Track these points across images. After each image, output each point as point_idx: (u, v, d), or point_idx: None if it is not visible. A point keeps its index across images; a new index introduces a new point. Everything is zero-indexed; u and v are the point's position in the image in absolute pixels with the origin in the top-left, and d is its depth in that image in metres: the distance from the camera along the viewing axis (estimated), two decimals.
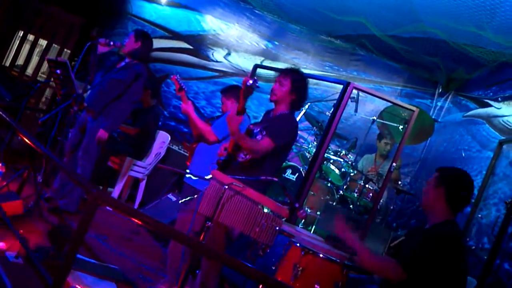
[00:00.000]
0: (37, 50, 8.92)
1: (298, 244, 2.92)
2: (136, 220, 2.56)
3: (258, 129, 3.67)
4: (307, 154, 6.06)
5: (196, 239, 2.78)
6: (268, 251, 3.53)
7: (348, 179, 5.75)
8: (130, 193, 6.52)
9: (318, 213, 5.18)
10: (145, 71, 4.96)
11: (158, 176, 6.58)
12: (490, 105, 5.46)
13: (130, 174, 6.26)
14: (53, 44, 8.74)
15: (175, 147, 6.84)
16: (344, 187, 5.67)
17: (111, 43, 4.77)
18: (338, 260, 2.85)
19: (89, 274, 3.56)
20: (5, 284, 2.93)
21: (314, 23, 7.13)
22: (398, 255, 2.83)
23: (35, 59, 8.89)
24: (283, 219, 2.68)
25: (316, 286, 2.77)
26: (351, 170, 5.61)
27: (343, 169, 5.70)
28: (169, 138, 6.61)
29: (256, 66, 5.94)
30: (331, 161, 5.74)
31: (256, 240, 3.30)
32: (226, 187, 2.69)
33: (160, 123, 7.21)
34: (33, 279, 3.14)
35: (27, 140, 3.64)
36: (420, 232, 2.87)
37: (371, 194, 5.71)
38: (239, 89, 4.83)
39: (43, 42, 8.92)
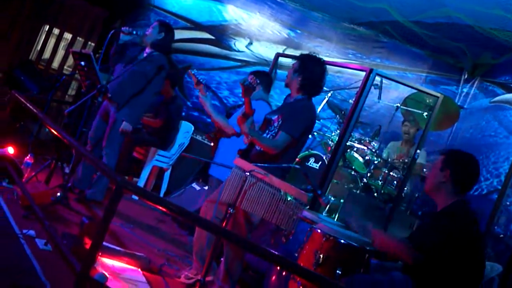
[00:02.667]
0: (62, 44, 9.07)
1: (319, 230, 2.93)
2: (160, 207, 2.61)
3: (276, 116, 3.67)
4: (330, 142, 6.02)
5: (219, 225, 2.82)
6: (291, 238, 3.56)
7: (372, 167, 5.71)
8: (155, 183, 6.60)
9: (342, 201, 5.16)
10: (166, 63, 5.00)
11: (183, 166, 6.65)
12: None
13: (155, 164, 6.34)
14: (78, 38, 8.88)
15: (198, 137, 6.90)
16: (368, 175, 5.63)
17: (134, 31, 4.79)
18: (359, 246, 2.85)
19: (116, 260, 3.64)
20: (36, 270, 3.02)
21: (336, 10, 7.06)
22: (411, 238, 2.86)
23: (60, 53, 9.06)
24: (305, 206, 2.69)
25: (337, 272, 2.78)
26: (375, 158, 5.56)
27: (366, 157, 5.65)
28: (193, 128, 6.67)
29: (278, 55, 5.94)
30: (355, 149, 5.70)
31: (278, 226, 3.34)
32: (248, 174, 2.70)
33: (183, 113, 7.27)
34: (62, 265, 3.23)
35: (53, 131, 3.73)
36: (433, 215, 2.89)
37: (395, 182, 5.66)
38: (268, 76, 4.84)
39: (68, 36, 9.07)
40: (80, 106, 4.41)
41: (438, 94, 4.73)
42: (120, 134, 4.80)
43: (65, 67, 9.04)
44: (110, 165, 4.82)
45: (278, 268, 3.29)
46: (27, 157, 4.82)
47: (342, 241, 2.85)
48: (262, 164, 2.91)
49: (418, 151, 4.65)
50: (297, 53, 7.36)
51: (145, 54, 4.93)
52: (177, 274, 3.90)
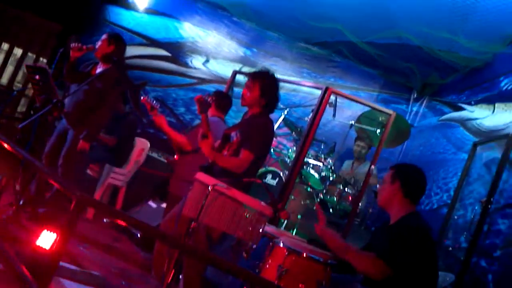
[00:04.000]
0: (11, 59, 8.79)
1: (281, 245, 2.95)
2: (120, 222, 2.57)
3: (234, 133, 3.70)
4: (287, 159, 6.11)
5: (181, 240, 2.80)
6: (252, 253, 3.57)
7: (328, 183, 5.82)
8: (109, 200, 6.47)
9: (299, 216, 5.23)
10: (120, 77, 4.91)
11: (137, 183, 6.54)
12: (464, 109, 5.61)
13: (109, 182, 6.22)
14: (28, 53, 8.64)
15: (154, 154, 6.83)
16: (324, 191, 5.73)
17: (84, 47, 4.69)
18: (321, 259, 2.90)
19: (73, 281, 3.53)
20: None
21: (292, 30, 7.23)
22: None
23: (9, 69, 8.76)
24: (267, 218, 2.72)
25: (300, 286, 2.81)
26: (331, 174, 5.68)
27: (322, 173, 5.76)
28: (148, 145, 6.60)
29: (235, 72, 6.00)
30: (311, 165, 5.81)
31: (240, 240, 3.34)
32: (210, 187, 2.71)
33: (139, 130, 7.20)
34: (15, 285, 3.10)
35: (6, 146, 3.60)
36: (388, 228, 2.98)
37: (350, 198, 5.78)
38: (227, 99, 4.89)
39: (18, 51, 8.80)
40: (32, 121, 4.29)
41: (390, 111, 4.91)
42: (78, 152, 4.69)
43: (15, 83, 8.76)
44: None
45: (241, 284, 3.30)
46: None
47: (304, 254, 2.89)
48: (224, 179, 2.92)
49: (372, 166, 4.78)
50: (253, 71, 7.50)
51: (98, 69, 4.85)
52: None
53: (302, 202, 5.79)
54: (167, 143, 7.63)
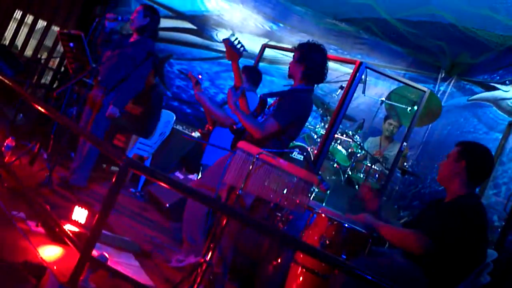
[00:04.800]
0: (37, 32, 8.72)
1: (324, 215, 2.95)
2: (165, 185, 2.57)
3: (273, 100, 3.66)
4: (313, 134, 6.08)
5: (225, 203, 2.80)
6: (288, 225, 3.58)
7: (354, 159, 5.78)
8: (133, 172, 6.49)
9: (328, 192, 5.21)
10: (154, 48, 4.92)
11: (163, 155, 6.57)
12: (497, 89, 5.52)
13: (135, 153, 6.24)
14: (52, 26, 8.57)
15: (179, 127, 6.83)
16: (350, 168, 5.70)
17: (120, 18, 4.70)
18: (363, 231, 2.89)
19: (108, 245, 3.57)
20: (34, 250, 2.93)
21: (320, 5, 7.13)
22: (420, 228, 2.87)
23: (32, 42, 8.70)
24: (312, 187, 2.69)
25: (342, 256, 2.81)
26: (359, 151, 5.64)
27: (350, 150, 5.73)
28: (174, 118, 6.59)
29: (265, 46, 5.93)
30: (338, 141, 5.77)
31: (272, 212, 3.34)
32: (257, 156, 2.69)
33: (163, 103, 7.19)
34: (57, 246, 3.15)
35: (42, 109, 3.59)
36: (444, 205, 2.92)
37: (377, 175, 5.75)
38: (257, 73, 4.86)
39: (41, 23, 8.74)
40: (66, 88, 4.30)
41: (425, 89, 4.83)
42: (107, 118, 4.70)
43: (38, 56, 8.73)
44: (94, 151, 4.73)
45: (276, 255, 3.32)
46: (8, 140, 4.67)
47: (347, 225, 2.88)
48: (267, 149, 2.90)
49: (404, 143, 4.74)
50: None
51: (131, 40, 4.85)
52: (167, 259, 3.86)
53: (328, 178, 5.78)
54: (191, 117, 7.67)
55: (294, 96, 3.62)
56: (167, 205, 5.18)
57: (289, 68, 3.67)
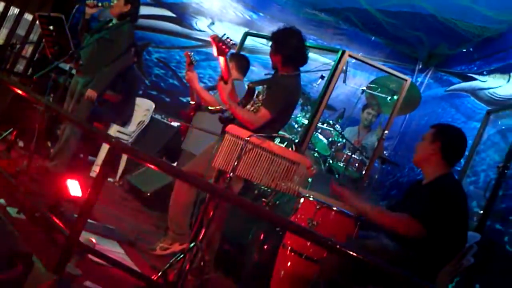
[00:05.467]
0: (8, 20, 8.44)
1: (312, 198, 2.96)
2: (154, 167, 2.55)
3: (261, 88, 3.65)
4: (294, 124, 6.08)
5: (217, 185, 2.78)
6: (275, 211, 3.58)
7: (333, 149, 5.82)
8: (114, 160, 6.38)
9: (310, 180, 5.23)
10: (134, 34, 4.86)
11: (143, 144, 6.47)
12: (475, 79, 5.62)
13: None
14: (25, 14, 8.30)
15: (157, 116, 6.74)
16: (331, 156, 5.73)
17: (99, 3, 4.63)
18: (352, 214, 2.91)
19: (92, 233, 3.51)
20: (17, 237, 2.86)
21: None
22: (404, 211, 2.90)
23: (3, 31, 8.42)
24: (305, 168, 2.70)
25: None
26: (340, 139, 5.67)
27: (330, 139, 5.75)
28: (153, 106, 6.50)
29: (247, 34, 5.91)
30: (319, 130, 5.79)
31: (259, 196, 3.33)
32: (248, 139, 2.68)
33: (140, 91, 7.09)
34: (38, 232, 3.07)
35: (22, 93, 3.49)
36: (424, 187, 2.96)
37: (357, 164, 5.79)
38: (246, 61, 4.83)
39: (14, 10, 8.45)
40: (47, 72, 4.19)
41: (406, 78, 4.89)
42: (87, 107, 4.60)
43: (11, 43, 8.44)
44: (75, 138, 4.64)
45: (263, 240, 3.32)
46: None
47: (335, 208, 2.89)
48: (257, 134, 2.89)
49: (386, 132, 4.79)
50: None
51: (111, 25, 4.77)
52: (151, 247, 3.82)
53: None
54: (169, 106, 7.58)
55: (282, 83, 3.62)
56: (148, 194, 5.13)
57: (270, 59, 3.66)
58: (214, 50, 3.39)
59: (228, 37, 3.35)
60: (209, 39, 3.44)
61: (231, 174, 2.72)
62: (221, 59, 3.43)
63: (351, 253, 2.21)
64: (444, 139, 2.89)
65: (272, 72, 3.86)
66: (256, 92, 3.65)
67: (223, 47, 3.33)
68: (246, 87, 3.83)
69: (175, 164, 5.49)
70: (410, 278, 1.93)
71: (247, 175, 2.76)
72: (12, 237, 2.86)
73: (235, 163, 2.76)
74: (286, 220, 2.32)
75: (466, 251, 2.94)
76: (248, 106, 3.59)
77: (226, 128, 2.98)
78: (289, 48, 3.58)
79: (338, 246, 2.19)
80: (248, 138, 2.69)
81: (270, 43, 3.69)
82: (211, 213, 2.90)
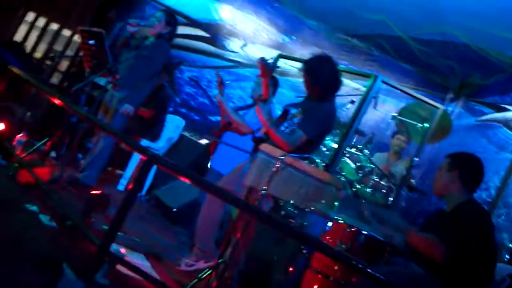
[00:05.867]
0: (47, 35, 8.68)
1: (342, 221, 2.94)
2: (189, 181, 2.58)
3: (296, 111, 3.68)
4: (322, 147, 6.07)
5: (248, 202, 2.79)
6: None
7: (361, 174, 5.77)
8: (142, 175, 6.45)
9: (336, 204, 5.19)
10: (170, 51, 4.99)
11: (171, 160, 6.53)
12: (508, 110, 5.55)
13: (142, 157, 6.21)
14: (64, 30, 8.51)
15: (186, 134, 6.82)
16: (358, 181, 5.69)
17: (142, 23, 4.80)
18: (382, 239, 2.88)
19: (120, 245, 3.54)
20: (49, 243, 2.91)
21: (333, 20, 7.17)
22: None
23: (41, 46, 8.64)
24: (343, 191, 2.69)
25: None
26: (368, 164, 5.63)
27: (358, 164, 5.71)
28: (184, 123, 6.58)
29: (280, 56, 5.96)
30: (347, 154, 5.76)
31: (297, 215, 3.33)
32: (282, 158, 2.70)
33: (171, 108, 7.19)
34: (69, 242, 3.12)
35: (59, 103, 3.57)
36: (447, 214, 2.96)
37: (384, 191, 5.73)
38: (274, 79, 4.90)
39: (53, 26, 8.69)
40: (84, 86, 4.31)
41: (439, 105, 4.86)
42: (120, 116, 4.70)
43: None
44: (106, 151, 4.74)
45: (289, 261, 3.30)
46: (20, 136, 4.67)
47: (365, 232, 2.87)
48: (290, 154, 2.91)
49: (416, 159, 4.75)
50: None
51: (149, 43, 4.89)
52: (176, 262, 3.84)
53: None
54: (198, 124, 7.67)
55: (319, 107, 3.65)
56: (174, 209, 5.16)
57: (304, 86, 3.71)
58: (260, 72, 3.55)
59: (273, 62, 3.48)
60: (257, 62, 3.57)
61: (262, 192, 2.73)
62: (264, 80, 3.51)
63: (381, 277, 2.19)
64: (462, 166, 2.96)
65: (302, 94, 3.91)
66: (290, 114, 3.69)
67: (268, 70, 3.44)
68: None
69: None
70: None
71: (278, 194, 2.77)
72: (44, 243, 2.91)
73: (267, 182, 2.77)
74: (319, 241, 2.31)
75: (498, 284, 2.89)
76: (282, 128, 3.62)
77: (259, 147, 3.01)
78: (324, 76, 3.63)
79: (369, 271, 2.17)
80: (283, 157, 2.70)
81: (302, 72, 3.73)
82: (239, 231, 2.91)
